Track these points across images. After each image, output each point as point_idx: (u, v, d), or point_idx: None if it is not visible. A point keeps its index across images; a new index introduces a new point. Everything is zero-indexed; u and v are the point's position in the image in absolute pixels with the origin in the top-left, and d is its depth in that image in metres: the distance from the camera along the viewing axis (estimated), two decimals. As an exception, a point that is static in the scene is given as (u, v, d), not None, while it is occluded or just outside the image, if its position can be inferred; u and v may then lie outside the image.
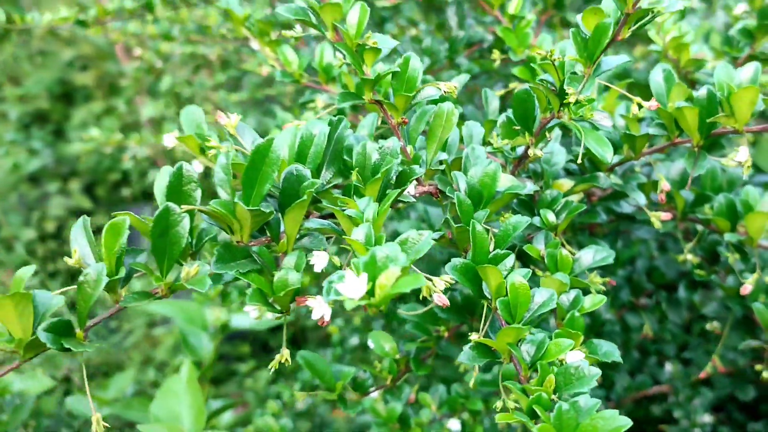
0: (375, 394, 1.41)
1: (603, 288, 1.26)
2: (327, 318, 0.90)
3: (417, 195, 1.20)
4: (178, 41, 2.98)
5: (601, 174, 1.34)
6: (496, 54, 1.64)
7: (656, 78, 1.28)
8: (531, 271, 1.05)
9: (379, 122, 1.28)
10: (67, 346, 0.86)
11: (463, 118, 1.87)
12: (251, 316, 1.11)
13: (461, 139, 1.30)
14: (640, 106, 1.11)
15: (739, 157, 1.14)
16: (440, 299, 0.95)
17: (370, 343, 1.39)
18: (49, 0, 6.35)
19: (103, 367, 4.14)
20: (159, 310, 2.46)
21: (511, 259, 1.07)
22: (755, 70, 1.16)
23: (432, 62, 1.89)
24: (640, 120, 1.34)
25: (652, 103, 1.09)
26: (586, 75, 1.07)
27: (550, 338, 0.98)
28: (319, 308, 0.89)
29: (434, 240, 1.10)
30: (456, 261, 1.04)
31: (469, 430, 1.72)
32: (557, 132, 1.44)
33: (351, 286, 0.74)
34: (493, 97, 1.45)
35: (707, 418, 2.29)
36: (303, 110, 1.62)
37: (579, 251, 1.26)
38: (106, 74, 6.44)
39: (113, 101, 6.16)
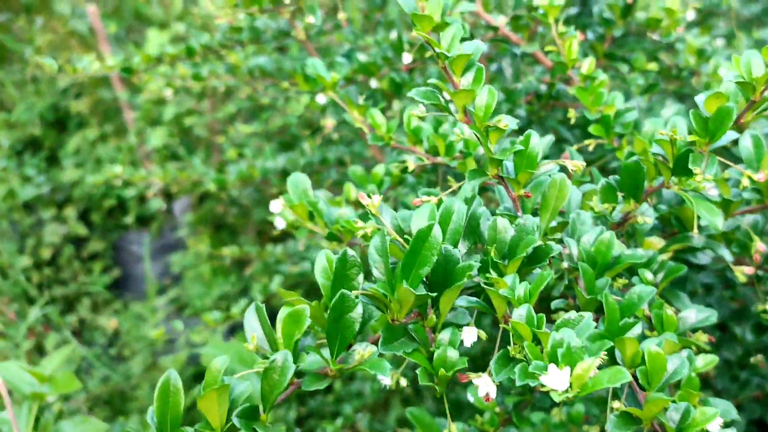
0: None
1: (707, 347, 1.33)
2: (492, 395, 0.95)
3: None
4: (207, 81, 3.01)
5: (694, 235, 1.41)
6: (571, 113, 1.70)
7: (745, 144, 1.36)
8: (663, 340, 1.12)
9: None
10: (257, 429, 0.91)
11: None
12: (384, 382, 1.16)
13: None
14: (750, 179, 1.18)
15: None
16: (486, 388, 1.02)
17: (470, 397, 1.45)
18: (40, 28, 6.36)
19: (105, 396, 4.15)
20: (210, 352, 2.49)
21: (639, 327, 1.14)
22: None
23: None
24: (726, 179, 1.42)
25: (761, 176, 1.16)
26: (705, 153, 1.14)
27: (694, 407, 1.04)
28: (485, 386, 0.95)
29: (559, 308, 1.17)
30: (591, 332, 1.11)
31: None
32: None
33: (555, 379, 0.80)
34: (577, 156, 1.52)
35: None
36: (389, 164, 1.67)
37: (682, 311, 1.33)
38: (100, 101, 6.45)
39: (108, 128, 6.18)
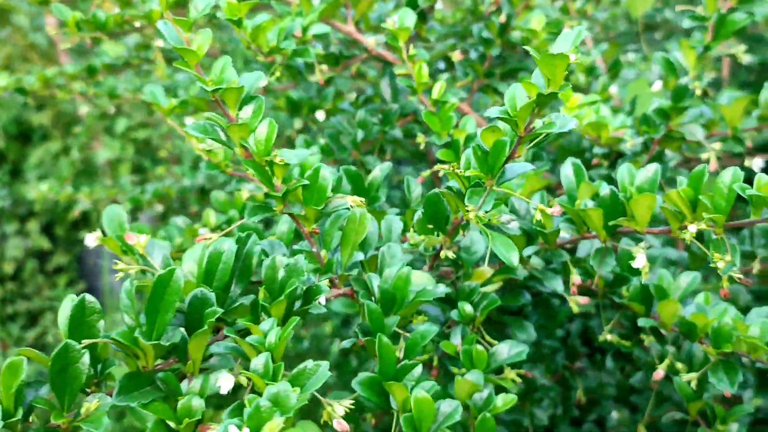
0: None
1: (518, 381, 1.28)
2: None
3: (333, 297, 1.22)
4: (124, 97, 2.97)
5: (519, 267, 1.37)
6: (420, 138, 1.66)
7: (567, 172, 1.32)
8: (434, 384, 1.07)
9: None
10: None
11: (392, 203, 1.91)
12: None
13: (380, 234, 1.33)
14: (542, 211, 1.14)
15: (637, 263, 1.17)
16: (340, 426, 0.96)
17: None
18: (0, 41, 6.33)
19: None
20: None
21: (418, 370, 1.09)
22: (654, 173, 1.20)
23: (365, 135, 1.91)
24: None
25: (555, 209, 1.12)
26: (488, 187, 1.10)
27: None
28: None
29: (346, 348, 1.12)
30: (362, 376, 1.06)
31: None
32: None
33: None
34: (415, 185, 1.47)
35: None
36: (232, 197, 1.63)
37: (495, 346, 1.28)
38: (62, 114, 6.41)
39: (70, 141, 6.13)
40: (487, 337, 1.34)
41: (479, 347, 1.25)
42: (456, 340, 1.29)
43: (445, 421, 1.05)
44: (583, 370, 1.92)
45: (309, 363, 0.92)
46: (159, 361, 1.02)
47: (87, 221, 6.07)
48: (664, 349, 1.40)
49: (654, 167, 1.21)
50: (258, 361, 0.93)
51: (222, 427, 0.78)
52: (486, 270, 1.39)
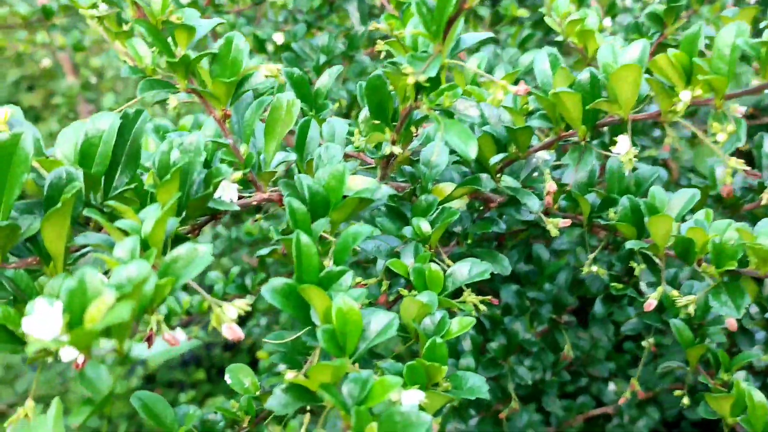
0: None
1: (482, 307, 1.07)
2: (80, 361, 0.69)
3: (256, 203, 1.01)
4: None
5: (483, 175, 1.15)
6: (380, 45, 1.45)
7: (541, 64, 1.11)
8: (364, 291, 0.86)
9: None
10: None
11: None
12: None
13: (322, 140, 1.12)
14: (503, 89, 0.92)
15: (618, 148, 0.95)
16: (232, 332, 0.75)
17: (227, 378, 1.19)
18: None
19: (45, 398, 3.90)
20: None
21: (348, 277, 0.88)
22: (642, 50, 0.98)
23: (328, 59, 1.70)
24: (529, 114, 1.16)
25: (519, 87, 0.90)
26: (435, 52, 0.88)
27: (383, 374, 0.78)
28: (67, 354, 0.69)
29: (263, 255, 0.91)
30: (276, 282, 0.85)
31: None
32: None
33: (40, 322, 0.55)
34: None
35: (656, 440, 2.12)
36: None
37: (453, 265, 1.07)
38: (53, 94, 6.24)
39: (65, 123, 5.95)
40: (446, 259, 1.12)
41: (434, 266, 1.03)
42: (407, 259, 1.08)
43: (377, 337, 0.83)
44: (571, 324, 1.70)
45: (185, 246, 0.70)
46: (13, 261, 0.81)
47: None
48: (657, 277, 1.18)
49: (641, 44, 0.98)
50: (124, 246, 0.71)
51: (29, 304, 0.57)
52: (447, 186, 1.18)
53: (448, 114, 0.98)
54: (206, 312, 1.95)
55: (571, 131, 1.06)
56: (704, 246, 1.06)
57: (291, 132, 1.06)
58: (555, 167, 1.46)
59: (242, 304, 0.75)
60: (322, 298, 0.82)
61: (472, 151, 0.94)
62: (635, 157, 1.12)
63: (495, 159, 1.12)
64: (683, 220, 1.16)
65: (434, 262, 1.06)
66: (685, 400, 1.32)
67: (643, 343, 1.51)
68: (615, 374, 2.13)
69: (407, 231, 1.10)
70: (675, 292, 1.10)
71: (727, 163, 0.91)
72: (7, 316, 0.74)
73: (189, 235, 0.99)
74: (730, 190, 0.93)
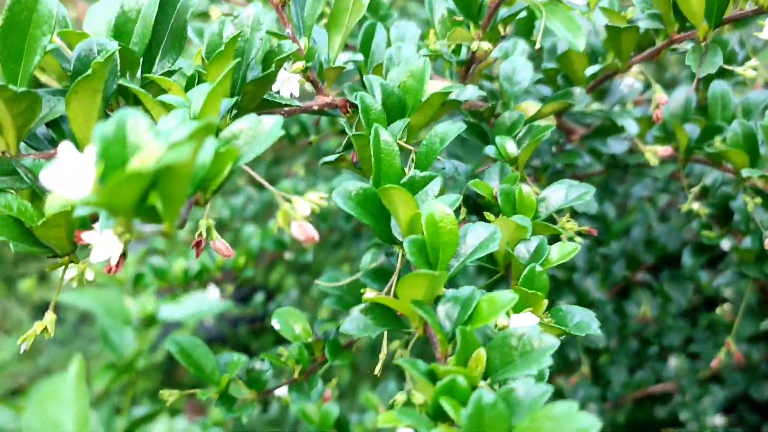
0: (282, 391, 1.06)
1: (578, 237, 0.91)
2: (114, 262, 0.54)
3: (317, 107, 0.86)
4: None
5: (576, 89, 0.99)
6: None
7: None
8: (459, 197, 0.70)
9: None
10: None
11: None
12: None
13: (389, 44, 0.96)
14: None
15: (765, 34, 0.78)
16: (303, 231, 0.59)
17: (275, 324, 1.04)
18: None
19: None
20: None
21: (436, 184, 0.72)
22: None
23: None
24: (630, 22, 0.99)
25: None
26: None
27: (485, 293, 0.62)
28: (102, 246, 0.53)
29: (329, 162, 0.76)
30: (350, 185, 0.69)
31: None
32: (523, 47, 1.10)
33: (66, 173, 0.39)
34: None
35: (718, 420, 1.96)
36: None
37: (547, 188, 0.90)
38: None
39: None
40: (534, 186, 0.96)
41: (526, 188, 0.87)
42: (492, 181, 0.92)
43: (474, 253, 0.67)
44: (645, 283, 1.54)
45: (247, 118, 0.55)
46: (31, 152, 0.66)
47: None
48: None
49: None
50: (170, 118, 0.56)
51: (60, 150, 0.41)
52: (531, 104, 1.01)
53: (554, 2, 0.82)
54: (242, 269, 1.80)
55: (688, 32, 0.89)
56: None
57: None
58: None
59: (316, 198, 0.59)
60: (409, 203, 0.66)
61: (580, 43, 0.78)
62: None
63: (591, 70, 0.96)
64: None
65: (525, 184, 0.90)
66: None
67: (718, 311, 1.35)
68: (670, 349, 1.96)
69: (490, 150, 0.94)
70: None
71: None
72: (23, 212, 0.59)
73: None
74: None
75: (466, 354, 0.56)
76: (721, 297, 1.69)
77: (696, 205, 1.10)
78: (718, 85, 1.12)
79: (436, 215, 0.65)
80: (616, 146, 1.14)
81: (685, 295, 1.51)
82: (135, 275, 1.72)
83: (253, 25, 0.71)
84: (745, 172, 0.98)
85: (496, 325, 0.62)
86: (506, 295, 0.60)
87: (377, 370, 0.73)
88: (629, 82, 1.16)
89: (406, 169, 0.76)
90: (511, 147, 0.93)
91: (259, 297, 2.54)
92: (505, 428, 0.47)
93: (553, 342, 0.56)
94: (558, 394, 1.80)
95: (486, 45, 0.86)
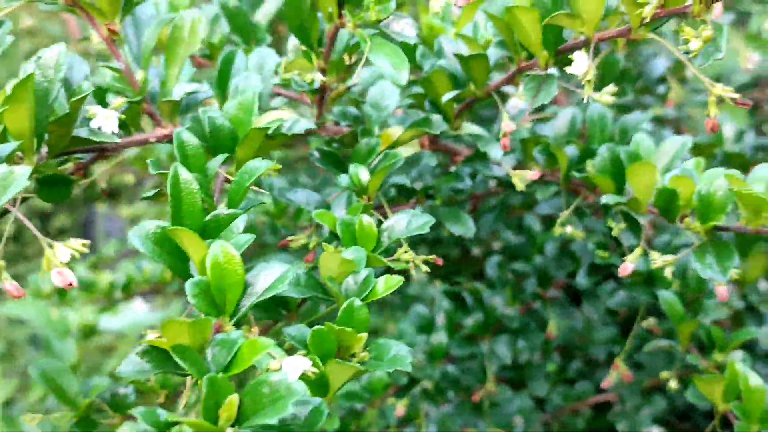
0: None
1: (422, 267, 0.91)
2: None
3: (154, 140, 0.86)
4: None
5: (434, 116, 0.99)
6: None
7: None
8: (253, 237, 0.70)
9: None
10: None
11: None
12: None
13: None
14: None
15: (574, 68, 0.78)
16: (62, 278, 0.59)
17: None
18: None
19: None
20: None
21: (241, 222, 0.72)
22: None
23: None
24: (488, 46, 0.99)
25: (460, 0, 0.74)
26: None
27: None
28: None
29: (148, 197, 0.77)
30: (147, 225, 0.70)
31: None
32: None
33: None
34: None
35: (655, 431, 1.95)
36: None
37: (391, 217, 0.91)
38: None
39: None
40: (390, 213, 0.96)
41: (366, 219, 0.87)
42: (338, 210, 0.92)
43: (265, 292, 0.68)
44: (558, 299, 1.53)
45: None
46: None
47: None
48: (639, 239, 1.01)
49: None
50: None
51: None
52: (395, 130, 1.01)
53: (382, 34, 0.82)
54: (169, 282, 1.80)
55: (532, 61, 0.89)
56: (689, 197, 0.89)
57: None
58: (538, 121, 1.30)
59: (77, 245, 0.59)
60: (198, 245, 0.67)
61: (402, 77, 0.78)
62: (612, 95, 0.95)
63: (447, 96, 0.96)
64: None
65: (370, 214, 0.90)
66: (673, 384, 1.15)
67: (644, 324, 1.34)
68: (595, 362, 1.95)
69: (343, 180, 0.94)
70: (655, 254, 0.93)
71: (709, 88, 0.74)
72: None
73: (73, 176, 0.84)
74: (715, 124, 0.76)
75: (216, 400, 0.57)
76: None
77: (569, 229, 1.10)
78: (596, 108, 1.12)
79: (220, 257, 0.66)
80: (497, 169, 1.14)
81: (599, 310, 1.50)
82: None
83: (55, 66, 0.71)
84: (604, 199, 0.98)
85: (267, 369, 0.62)
86: (265, 340, 0.60)
87: (181, 407, 0.73)
88: (514, 103, 1.17)
89: (220, 204, 0.77)
90: (363, 175, 0.94)
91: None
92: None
93: (299, 389, 0.56)
94: (495, 404, 1.80)
95: (319, 76, 0.86)
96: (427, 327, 1.52)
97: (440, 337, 1.45)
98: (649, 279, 1.20)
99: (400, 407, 1.40)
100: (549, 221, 1.71)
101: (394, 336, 1.50)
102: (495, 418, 1.78)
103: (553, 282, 1.52)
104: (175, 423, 0.53)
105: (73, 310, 2.03)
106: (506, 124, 0.93)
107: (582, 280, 1.32)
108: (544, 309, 1.52)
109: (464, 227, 1.09)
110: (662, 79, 1.62)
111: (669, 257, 0.91)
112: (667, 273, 0.91)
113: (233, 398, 0.57)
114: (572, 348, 1.80)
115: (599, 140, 1.10)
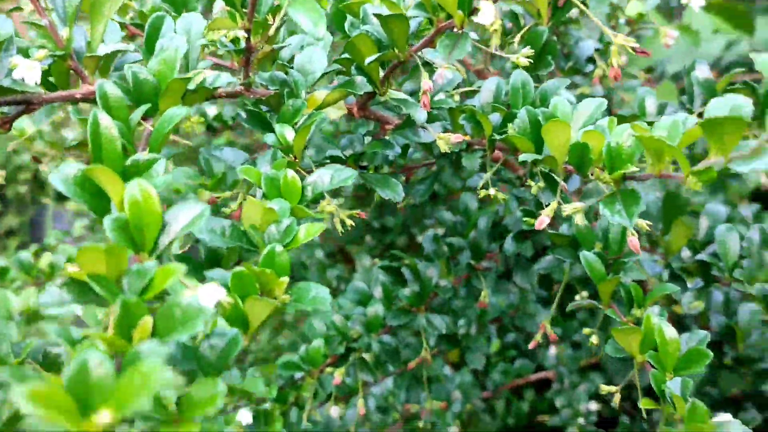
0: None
1: (346, 220, 0.94)
2: None
3: (80, 96, 0.88)
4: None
5: (357, 78, 1.02)
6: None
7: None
8: (170, 177, 0.73)
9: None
10: None
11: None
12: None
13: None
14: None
15: (481, 17, 0.82)
16: None
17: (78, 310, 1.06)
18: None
19: None
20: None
21: (160, 166, 0.75)
22: None
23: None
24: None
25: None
26: None
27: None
28: None
29: (72, 146, 0.78)
30: (68, 168, 0.72)
31: (265, 422, 1.41)
32: (330, 38, 1.13)
33: None
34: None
35: (593, 406, 2.01)
36: None
37: (314, 172, 0.94)
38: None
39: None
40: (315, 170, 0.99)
41: (291, 173, 0.90)
42: (264, 167, 0.95)
43: (183, 229, 0.70)
44: (490, 270, 1.57)
45: None
46: None
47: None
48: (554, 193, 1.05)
49: None
50: None
51: None
52: (321, 93, 1.05)
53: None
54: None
55: (450, 20, 0.93)
56: (599, 151, 0.93)
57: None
58: (470, 93, 1.33)
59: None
60: (116, 184, 0.69)
61: (319, 31, 0.81)
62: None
63: (370, 59, 0.99)
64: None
65: (295, 171, 0.93)
66: (594, 339, 1.20)
67: (577, 298, 1.39)
68: (561, 338, 2.01)
69: (269, 138, 0.97)
70: (569, 207, 0.98)
71: (611, 38, 0.78)
72: None
73: (-2, 129, 0.86)
74: (617, 73, 0.80)
75: (128, 321, 0.59)
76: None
77: (492, 191, 1.14)
78: (518, 75, 1.16)
79: (138, 196, 0.68)
80: (425, 136, 1.17)
81: (529, 279, 1.54)
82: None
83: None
84: (523, 157, 1.02)
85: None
86: (177, 266, 0.62)
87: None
88: (442, 72, 1.20)
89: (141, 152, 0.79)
90: (289, 133, 0.97)
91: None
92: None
93: (209, 310, 0.59)
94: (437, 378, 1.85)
95: (243, 34, 0.89)
96: (364, 300, 1.55)
97: (377, 309, 1.48)
98: (574, 242, 1.24)
99: (337, 375, 1.43)
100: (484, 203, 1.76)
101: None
102: (435, 394, 1.83)
103: (485, 255, 1.56)
104: (87, 337, 0.55)
105: (14, 293, 2.01)
106: (425, 83, 0.97)
107: (509, 246, 1.36)
108: (477, 280, 1.56)
109: (394, 192, 1.12)
110: (591, 60, 1.68)
111: (579, 204, 0.95)
112: (579, 220, 0.95)
113: (147, 319, 0.59)
114: (508, 323, 1.85)
115: (522, 106, 1.15)
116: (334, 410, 1.52)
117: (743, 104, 0.80)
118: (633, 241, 0.95)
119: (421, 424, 1.88)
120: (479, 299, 1.52)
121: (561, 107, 1.05)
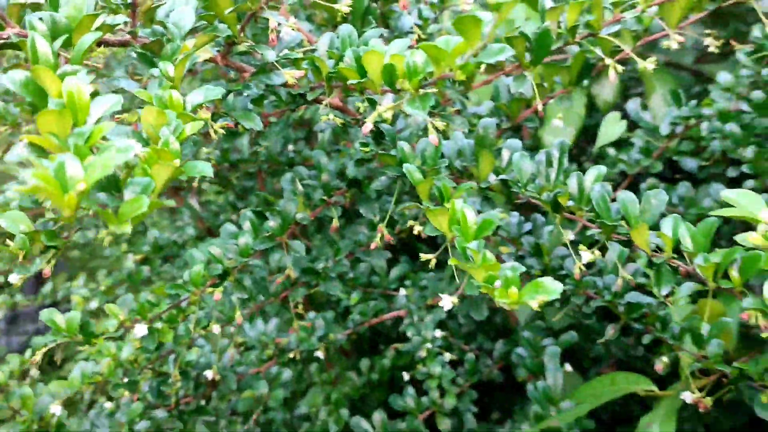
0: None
1: (219, 129, 1.24)
2: None
3: (3, 40, 1.15)
4: None
5: (221, 25, 1.33)
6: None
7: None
8: (93, 77, 1.02)
9: None
10: None
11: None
12: None
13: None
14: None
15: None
16: None
17: (2, 222, 1.30)
18: None
19: None
20: None
21: (83, 74, 1.03)
22: None
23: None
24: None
25: None
26: None
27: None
28: None
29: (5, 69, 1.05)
30: (16, 74, 1.00)
31: (158, 336, 1.68)
32: None
33: None
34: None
35: (438, 333, 2.35)
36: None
37: (192, 91, 1.24)
38: None
39: None
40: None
41: (175, 93, 1.20)
42: (153, 90, 1.24)
43: (104, 114, 0.99)
44: (339, 203, 1.90)
45: None
46: None
47: None
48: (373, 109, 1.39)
49: None
50: None
51: None
52: (191, 41, 1.35)
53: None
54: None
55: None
56: (403, 69, 1.28)
57: None
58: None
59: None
60: (54, 81, 0.97)
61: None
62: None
63: (228, 10, 1.30)
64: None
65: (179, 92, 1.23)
66: (416, 230, 1.53)
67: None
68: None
69: (155, 71, 1.26)
70: (379, 108, 1.31)
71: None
72: None
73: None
74: (406, 2, 1.15)
75: (81, 157, 0.88)
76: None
77: (331, 116, 1.47)
78: (346, 27, 1.49)
79: (73, 88, 0.97)
80: (277, 78, 1.49)
81: (371, 210, 1.88)
82: None
83: None
84: (349, 82, 1.35)
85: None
86: (109, 123, 0.92)
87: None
88: (288, 31, 1.52)
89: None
90: (170, 68, 1.26)
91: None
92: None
93: (131, 145, 0.89)
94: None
95: (133, -13, 1.18)
96: (235, 236, 1.84)
97: (247, 239, 1.78)
98: (400, 162, 1.58)
99: (217, 293, 1.71)
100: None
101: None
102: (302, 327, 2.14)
103: (335, 191, 1.89)
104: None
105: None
106: (272, 21, 1.29)
107: (351, 170, 1.69)
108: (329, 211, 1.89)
109: (253, 122, 1.43)
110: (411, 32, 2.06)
111: (391, 103, 1.29)
112: (386, 114, 1.29)
113: (92, 159, 0.88)
114: (361, 257, 2.18)
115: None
116: (216, 328, 1.80)
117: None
118: (432, 138, 1.31)
119: (291, 354, 2.19)
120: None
121: (376, 45, 1.39)
